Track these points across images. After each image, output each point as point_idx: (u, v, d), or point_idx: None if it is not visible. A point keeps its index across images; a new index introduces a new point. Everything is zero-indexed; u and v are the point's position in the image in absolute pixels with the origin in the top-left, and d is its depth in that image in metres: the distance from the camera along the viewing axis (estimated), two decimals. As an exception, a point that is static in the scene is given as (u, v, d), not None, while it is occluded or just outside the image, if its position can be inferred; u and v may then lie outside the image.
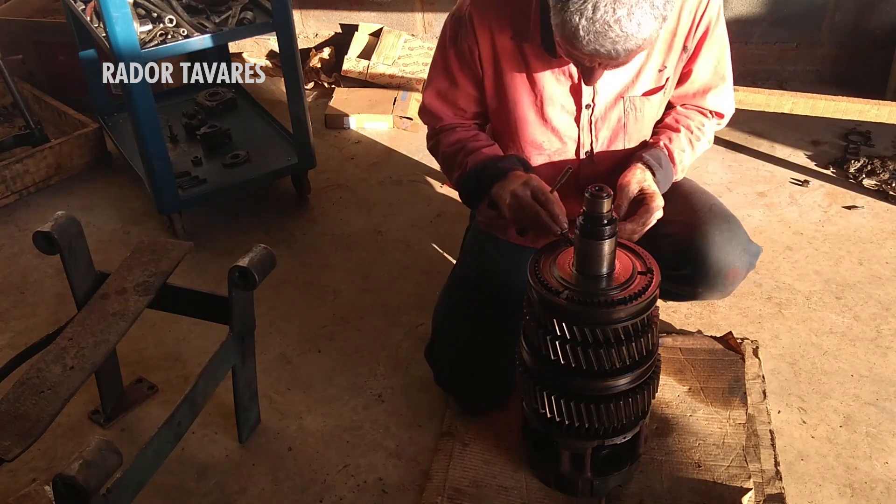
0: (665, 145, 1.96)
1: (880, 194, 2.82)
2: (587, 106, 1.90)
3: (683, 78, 1.98)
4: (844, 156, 3.02)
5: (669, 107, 2.05)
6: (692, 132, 2.00)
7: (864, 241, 2.63)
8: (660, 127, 2.03)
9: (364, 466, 2.00)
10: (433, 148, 2.07)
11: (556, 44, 1.66)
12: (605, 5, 1.49)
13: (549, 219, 1.73)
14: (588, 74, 1.71)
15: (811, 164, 3.00)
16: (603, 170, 1.98)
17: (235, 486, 1.97)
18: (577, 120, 1.93)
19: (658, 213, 1.82)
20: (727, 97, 2.04)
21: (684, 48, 1.90)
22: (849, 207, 2.77)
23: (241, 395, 1.99)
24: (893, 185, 2.83)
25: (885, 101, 2.87)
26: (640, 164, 1.88)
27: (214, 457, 2.04)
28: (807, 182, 2.90)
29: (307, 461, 2.02)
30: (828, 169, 2.97)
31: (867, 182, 2.86)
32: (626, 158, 1.95)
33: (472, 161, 1.92)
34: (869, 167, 2.91)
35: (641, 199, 1.83)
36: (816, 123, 3.06)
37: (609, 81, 1.87)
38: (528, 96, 1.90)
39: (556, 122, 1.93)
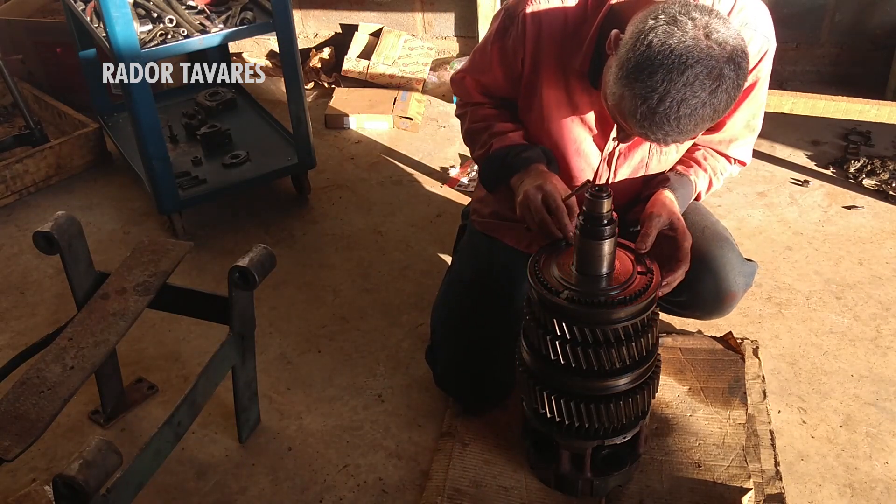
0: (694, 181, 1.91)
1: (880, 194, 2.82)
2: (613, 139, 1.86)
3: (715, 127, 1.91)
4: (844, 156, 3.02)
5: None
6: (715, 174, 1.96)
7: (864, 241, 2.63)
8: (686, 158, 1.97)
9: (364, 466, 2.00)
10: (462, 115, 2.05)
11: (603, 100, 1.60)
12: (672, 101, 1.43)
13: (554, 228, 1.72)
14: (624, 136, 1.69)
15: (811, 164, 3.00)
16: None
17: (235, 486, 1.97)
18: (600, 149, 1.89)
19: (689, 256, 1.77)
20: (749, 148, 1.99)
21: None
22: (849, 207, 2.77)
23: (241, 395, 1.99)
24: (893, 185, 2.83)
25: (885, 101, 2.86)
26: (666, 193, 1.83)
27: (214, 457, 2.04)
28: (807, 182, 2.90)
29: (307, 461, 2.02)
30: (828, 169, 2.97)
31: (867, 182, 2.86)
32: (641, 188, 1.93)
33: (497, 144, 1.88)
34: (869, 167, 2.91)
35: (672, 238, 1.77)
36: (816, 123, 3.06)
37: None
38: (558, 112, 1.86)
39: (581, 144, 1.89)
